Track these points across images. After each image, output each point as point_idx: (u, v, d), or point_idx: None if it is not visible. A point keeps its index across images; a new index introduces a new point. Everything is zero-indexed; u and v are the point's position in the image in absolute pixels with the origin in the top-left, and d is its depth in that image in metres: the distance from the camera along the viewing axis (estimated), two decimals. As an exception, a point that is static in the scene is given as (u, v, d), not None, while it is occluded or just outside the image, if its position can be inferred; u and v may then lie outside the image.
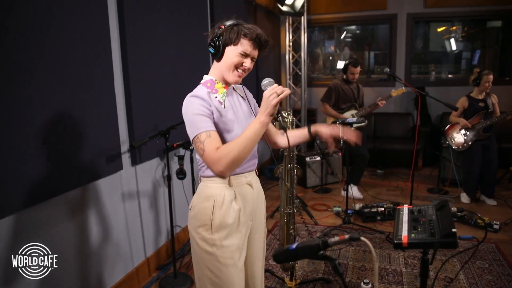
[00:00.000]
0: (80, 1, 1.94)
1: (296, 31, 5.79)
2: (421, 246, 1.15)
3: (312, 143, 5.48)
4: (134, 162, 2.50)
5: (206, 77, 1.47)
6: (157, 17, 2.62)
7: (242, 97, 1.56)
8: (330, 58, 6.69)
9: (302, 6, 5.19)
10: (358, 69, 4.06)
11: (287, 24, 5.69)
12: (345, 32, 6.51)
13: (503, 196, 4.10)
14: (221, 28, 1.35)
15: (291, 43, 5.78)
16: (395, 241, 1.14)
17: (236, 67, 1.36)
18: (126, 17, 2.29)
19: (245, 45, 1.32)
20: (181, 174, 2.81)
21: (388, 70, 3.58)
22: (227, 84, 1.45)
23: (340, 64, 6.33)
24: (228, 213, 1.39)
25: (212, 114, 1.34)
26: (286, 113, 2.36)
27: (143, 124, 2.51)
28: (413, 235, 1.14)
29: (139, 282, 2.56)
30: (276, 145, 1.70)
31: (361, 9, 5.78)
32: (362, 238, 0.90)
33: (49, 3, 1.75)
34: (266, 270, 2.65)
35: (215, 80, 1.44)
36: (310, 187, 4.75)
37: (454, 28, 6.14)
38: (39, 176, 1.74)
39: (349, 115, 4.08)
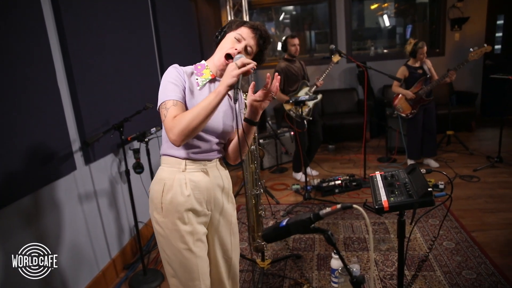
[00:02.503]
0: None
1: (237, 14, 5.70)
2: (402, 208, 1.20)
3: (264, 124, 5.52)
4: (88, 160, 2.33)
5: (202, 61, 1.51)
6: (96, 8, 2.42)
7: (230, 96, 1.47)
8: (271, 40, 6.72)
9: (243, -13, 5.13)
10: (297, 40, 4.02)
11: (228, 7, 5.58)
12: (283, 14, 6.55)
13: (443, 159, 4.48)
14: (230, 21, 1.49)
15: (233, 26, 5.69)
16: (376, 207, 1.19)
17: (227, 51, 1.39)
18: (62, 10, 2.08)
19: (243, 30, 1.43)
20: (138, 168, 2.68)
21: (334, 46, 3.68)
22: (215, 74, 1.46)
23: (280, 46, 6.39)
24: (176, 198, 1.37)
25: (184, 89, 1.36)
26: (245, 95, 2.33)
27: (93, 120, 2.34)
28: (392, 198, 1.20)
29: (107, 284, 2.43)
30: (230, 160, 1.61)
31: (301, -11, 5.86)
32: (355, 205, 0.92)
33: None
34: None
35: (206, 66, 1.48)
36: (266, 168, 4.80)
37: (386, 5, 6.46)
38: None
39: (303, 93, 4.12)
